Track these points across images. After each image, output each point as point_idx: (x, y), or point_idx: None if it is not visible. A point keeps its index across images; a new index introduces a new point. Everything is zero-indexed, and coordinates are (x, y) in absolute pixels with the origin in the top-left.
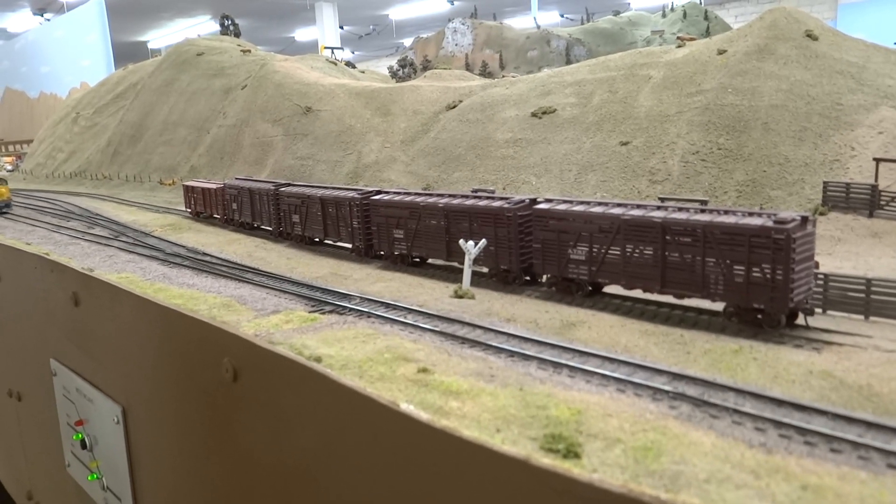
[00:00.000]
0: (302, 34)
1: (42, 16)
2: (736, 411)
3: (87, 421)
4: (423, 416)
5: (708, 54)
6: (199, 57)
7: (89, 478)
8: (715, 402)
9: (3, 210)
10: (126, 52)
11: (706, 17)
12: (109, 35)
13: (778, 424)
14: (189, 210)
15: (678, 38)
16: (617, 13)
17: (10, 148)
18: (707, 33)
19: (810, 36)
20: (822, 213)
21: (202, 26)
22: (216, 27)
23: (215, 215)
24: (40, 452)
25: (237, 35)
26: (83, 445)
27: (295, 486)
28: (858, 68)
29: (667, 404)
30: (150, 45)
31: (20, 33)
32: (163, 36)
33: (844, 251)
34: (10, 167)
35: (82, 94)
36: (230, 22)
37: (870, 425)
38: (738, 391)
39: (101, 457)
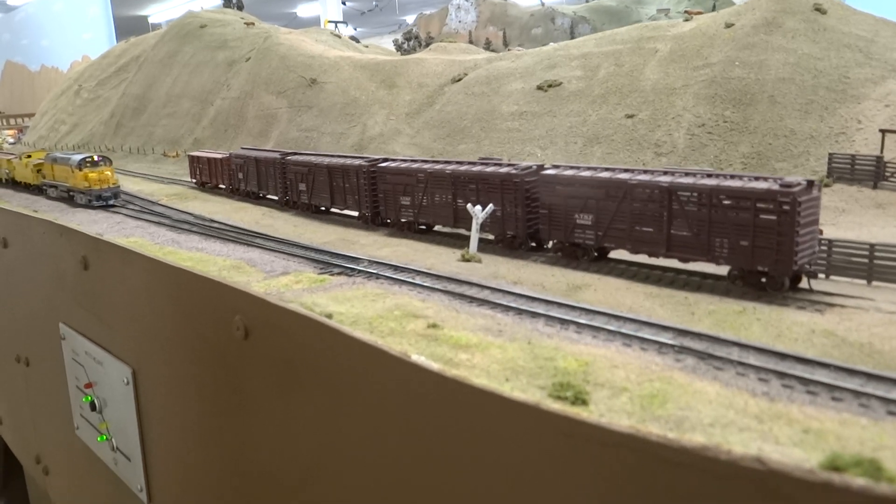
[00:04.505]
0: (304, 10)
1: None
2: (740, 363)
3: (97, 383)
4: (434, 366)
5: (715, 28)
6: (203, 29)
7: (99, 439)
8: (719, 356)
9: (110, 201)
10: (127, 27)
11: None
12: (111, 8)
13: (781, 375)
14: (194, 180)
15: (685, 11)
16: None
17: (12, 121)
18: (713, 11)
19: (818, 9)
20: (826, 185)
21: (202, 1)
22: (216, 2)
23: (221, 185)
24: (48, 416)
25: (240, 8)
26: (93, 407)
27: (307, 440)
28: (867, 42)
29: (672, 357)
30: (150, 20)
31: (19, 6)
32: (164, 10)
33: (849, 221)
34: (12, 140)
35: (84, 66)
36: None
37: (870, 377)
38: (742, 346)
39: (110, 418)
